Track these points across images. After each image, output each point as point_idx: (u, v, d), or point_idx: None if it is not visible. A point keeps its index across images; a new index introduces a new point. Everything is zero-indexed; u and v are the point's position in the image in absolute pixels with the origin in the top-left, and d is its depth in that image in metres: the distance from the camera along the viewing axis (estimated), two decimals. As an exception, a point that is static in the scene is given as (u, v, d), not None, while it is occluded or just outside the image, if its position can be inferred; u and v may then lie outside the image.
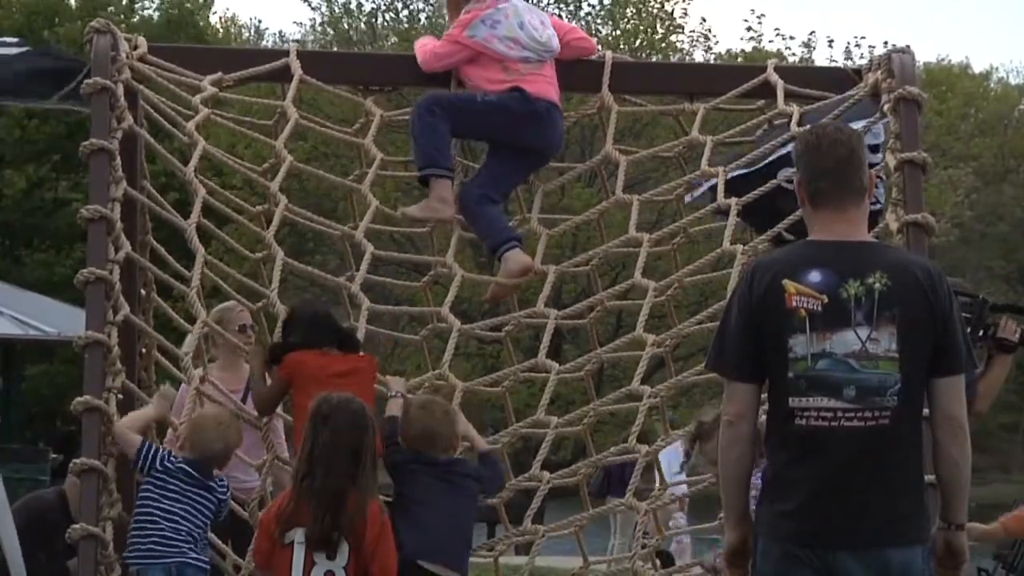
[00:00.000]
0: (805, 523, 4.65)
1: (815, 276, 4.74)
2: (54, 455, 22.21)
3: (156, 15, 38.56)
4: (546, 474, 7.39)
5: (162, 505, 6.27)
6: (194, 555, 6.26)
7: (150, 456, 6.34)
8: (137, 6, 38.89)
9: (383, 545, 5.52)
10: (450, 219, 7.52)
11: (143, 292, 7.48)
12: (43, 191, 35.30)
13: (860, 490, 4.66)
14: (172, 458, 6.37)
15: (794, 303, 4.71)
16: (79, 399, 6.38)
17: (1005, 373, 8.20)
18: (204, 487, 6.36)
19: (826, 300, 4.71)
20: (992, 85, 55.35)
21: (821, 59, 34.84)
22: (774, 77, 7.73)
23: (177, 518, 6.26)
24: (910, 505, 4.70)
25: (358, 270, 7.66)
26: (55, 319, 25.01)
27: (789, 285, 4.73)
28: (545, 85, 7.55)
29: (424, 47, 7.70)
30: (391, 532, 5.62)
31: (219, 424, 6.50)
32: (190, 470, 6.35)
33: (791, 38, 35.25)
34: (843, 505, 4.65)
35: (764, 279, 4.76)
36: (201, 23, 39.25)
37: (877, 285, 4.74)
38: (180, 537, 6.24)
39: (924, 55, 56.33)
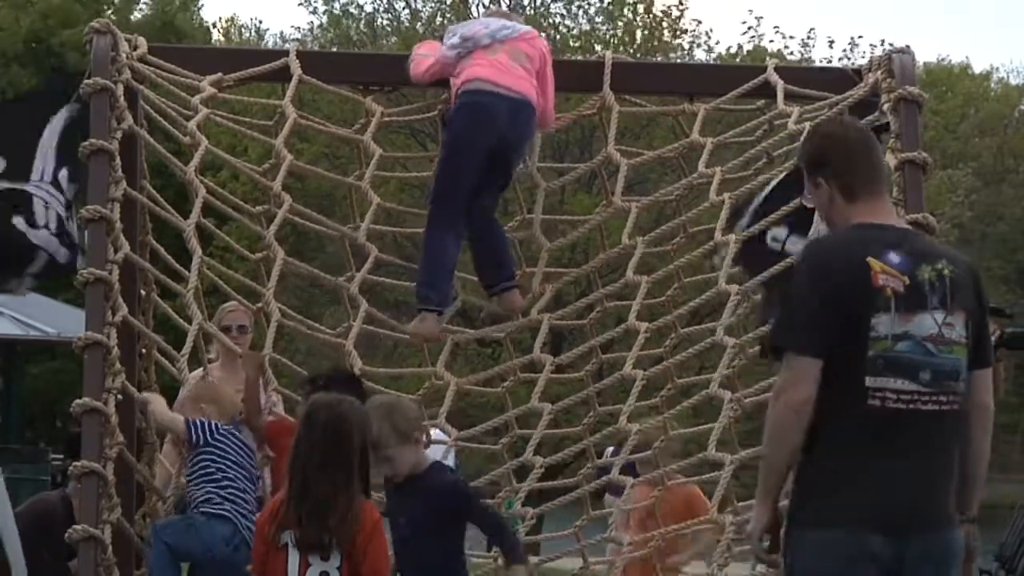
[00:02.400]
0: (881, 507, 4.60)
1: (894, 257, 4.71)
2: (56, 456, 22.16)
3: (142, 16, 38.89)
4: (539, 459, 7.44)
5: (227, 474, 6.41)
6: (251, 532, 6.32)
7: (204, 428, 6.46)
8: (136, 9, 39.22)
9: (373, 545, 5.47)
10: (432, 337, 7.52)
11: (143, 292, 7.48)
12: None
13: (932, 474, 4.66)
14: (221, 427, 6.51)
15: (880, 281, 4.66)
16: (78, 401, 6.37)
17: None
18: (249, 450, 6.52)
19: (907, 281, 4.69)
20: (993, 85, 55.34)
21: (819, 58, 34.85)
22: (774, 77, 7.73)
23: (238, 494, 6.37)
24: (955, 488, 4.74)
25: (358, 271, 7.69)
26: (55, 319, 25.01)
27: (874, 263, 4.68)
28: (473, 69, 7.43)
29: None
30: (383, 532, 5.58)
31: (226, 391, 6.72)
32: (237, 434, 6.52)
33: (791, 37, 35.26)
34: (917, 488, 4.64)
35: (842, 256, 4.69)
36: (182, 23, 39.34)
37: (946, 271, 4.76)
38: (247, 509, 6.40)
39: (924, 55, 56.35)
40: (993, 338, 8.21)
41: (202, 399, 6.68)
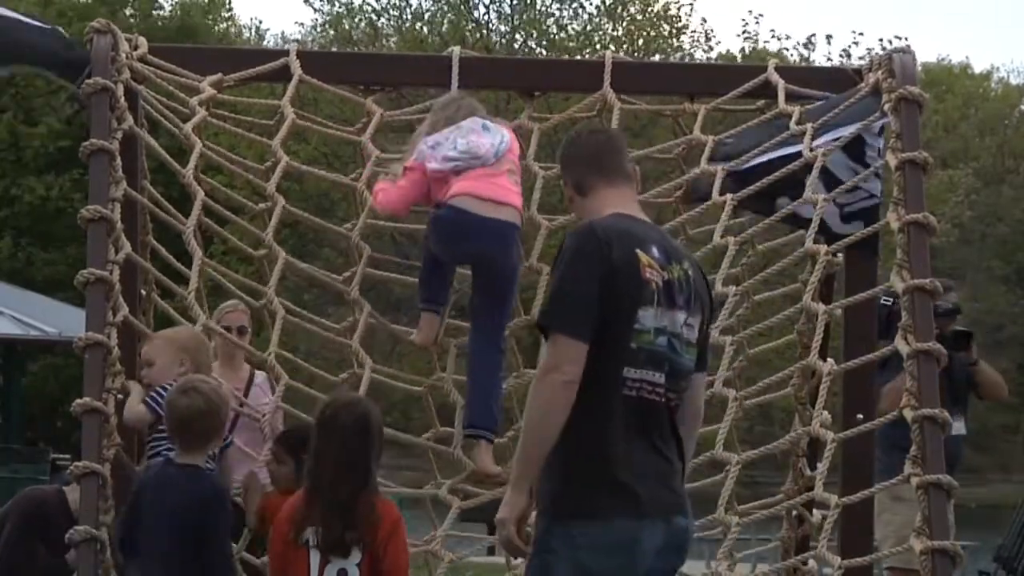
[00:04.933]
0: (645, 496, 4.68)
1: (656, 251, 4.82)
2: (62, 456, 22.16)
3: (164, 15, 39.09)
4: None
5: None
6: None
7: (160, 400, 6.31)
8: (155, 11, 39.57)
9: (394, 543, 5.51)
10: (427, 343, 7.46)
11: (143, 292, 7.48)
12: (58, 201, 36.08)
13: (673, 462, 4.82)
14: None
15: (647, 275, 4.75)
16: (79, 401, 6.36)
17: None
18: None
19: (666, 277, 4.80)
20: (993, 85, 55.39)
21: (820, 58, 34.94)
22: (775, 77, 7.72)
23: None
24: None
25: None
26: (56, 319, 25.04)
27: (642, 256, 4.76)
28: (465, 183, 7.09)
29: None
30: (403, 529, 5.61)
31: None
32: None
33: (787, 38, 35.40)
34: (668, 477, 4.78)
35: (617, 245, 4.75)
36: (212, 22, 39.62)
37: (690, 272, 4.89)
38: None
39: (924, 55, 56.40)
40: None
41: (186, 349, 6.54)
